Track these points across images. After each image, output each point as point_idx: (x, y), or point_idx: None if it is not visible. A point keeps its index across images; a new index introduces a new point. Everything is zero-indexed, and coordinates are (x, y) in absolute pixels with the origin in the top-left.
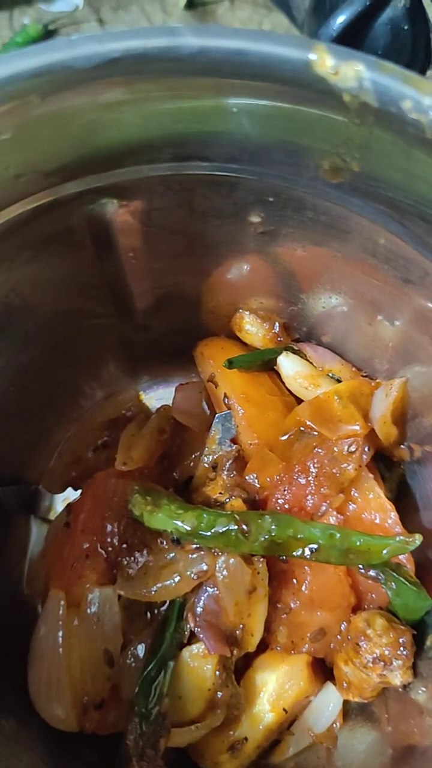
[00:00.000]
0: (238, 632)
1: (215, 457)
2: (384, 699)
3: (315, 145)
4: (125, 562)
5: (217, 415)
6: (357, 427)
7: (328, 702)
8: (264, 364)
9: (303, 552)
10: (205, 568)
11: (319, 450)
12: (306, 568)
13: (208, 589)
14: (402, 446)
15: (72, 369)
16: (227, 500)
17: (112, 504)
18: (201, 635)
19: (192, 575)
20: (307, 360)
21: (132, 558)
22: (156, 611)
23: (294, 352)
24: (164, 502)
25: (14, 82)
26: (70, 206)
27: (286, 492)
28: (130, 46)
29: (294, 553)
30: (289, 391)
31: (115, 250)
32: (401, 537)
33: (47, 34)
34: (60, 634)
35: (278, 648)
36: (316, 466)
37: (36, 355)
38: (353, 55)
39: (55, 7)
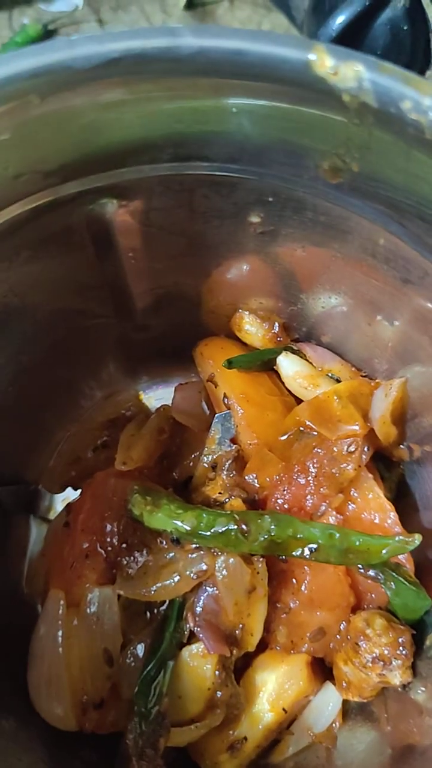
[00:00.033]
0: (237, 632)
1: (215, 457)
2: (383, 699)
3: (315, 145)
4: (125, 562)
5: (216, 415)
6: (356, 427)
7: (328, 702)
8: (263, 364)
9: (302, 552)
10: (204, 567)
11: (319, 450)
12: (305, 567)
13: (207, 588)
14: (401, 446)
15: (71, 369)
16: (227, 500)
17: (112, 504)
18: (200, 635)
19: (191, 575)
20: (307, 360)
21: (131, 558)
22: (155, 611)
23: (293, 352)
24: (164, 502)
25: (14, 82)
26: (69, 206)
27: (285, 492)
28: (130, 47)
29: (293, 553)
30: (289, 391)
31: (114, 251)
32: (400, 537)
33: (47, 34)
34: (60, 633)
35: (278, 648)
36: (315, 466)
37: (35, 355)
38: (353, 55)
39: (54, 7)
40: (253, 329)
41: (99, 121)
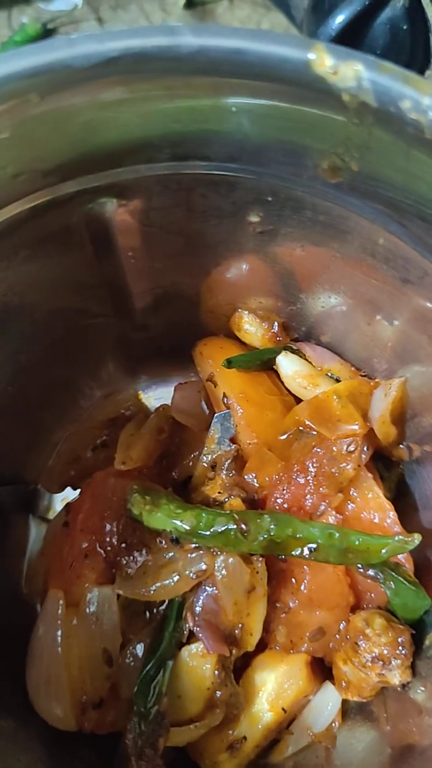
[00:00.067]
0: (237, 631)
1: (214, 456)
2: (383, 698)
3: (314, 144)
4: (124, 562)
5: (216, 415)
6: (356, 427)
7: (327, 701)
8: (263, 363)
9: (302, 551)
10: (204, 567)
11: (318, 449)
12: (305, 567)
13: (207, 588)
14: (401, 446)
15: (70, 368)
16: (226, 500)
17: (111, 503)
18: (200, 634)
19: (191, 574)
20: (306, 359)
21: (131, 557)
22: (155, 610)
23: (293, 351)
24: (163, 502)
25: (13, 81)
26: (68, 206)
27: (285, 491)
28: (129, 45)
29: (293, 553)
30: (288, 390)
31: (113, 250)
32: (400, 536)
33: (46, 33)
34: (59, 633)
35: (277, 647)
36: (315, 465)
37: (34, 355)
38: (352, 54)
39: (54, 6)
40: (252, 329)
41: (98, 120)
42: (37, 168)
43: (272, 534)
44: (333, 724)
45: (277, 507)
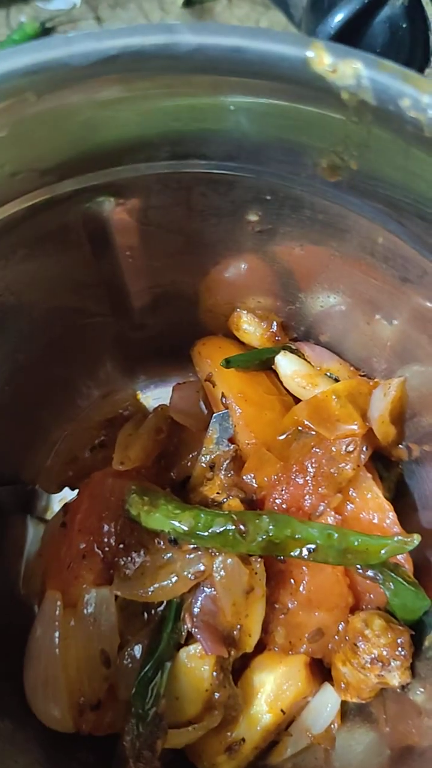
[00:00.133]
0: (235, 633)
1: (213, 456)
2: (382, 699)
3: (313, 143)
4: (122, 563)
5: (214, 415)
6: (355, 427)
7: (326, 703)
8: (262, 363)
9: (301, 552)
10: (202, 568)
11: (317, 450)
12: (304, 568)
13: (205, 589)
14: (400, 446)
15: (68, 368)
16: (225, 500)
17: (109, 504)
18: (198, 636)
19: (189, 575)
20: (305, 359)
21: (129, 558)
22: (153, 612)
23: (292, 351)
24: (161, 502)
25: (10, 79)
26: (66, 204)
27: (283, 492)
28: (128, 44)
29: (292, 553)
30: (287, 390)
31: (111, 249)
32: (399, 537)
33: (44, 32)
34: (56, 634)
35: (276, 648)
36: (314, 465)
37: (32, 354)
38: (351, 53)
39: (52, 5)
40: (251, 328)
41: (96, 119)
42: (35, 167)
43: (271, 535)
44: (332, 726)
45: (276, 507)
